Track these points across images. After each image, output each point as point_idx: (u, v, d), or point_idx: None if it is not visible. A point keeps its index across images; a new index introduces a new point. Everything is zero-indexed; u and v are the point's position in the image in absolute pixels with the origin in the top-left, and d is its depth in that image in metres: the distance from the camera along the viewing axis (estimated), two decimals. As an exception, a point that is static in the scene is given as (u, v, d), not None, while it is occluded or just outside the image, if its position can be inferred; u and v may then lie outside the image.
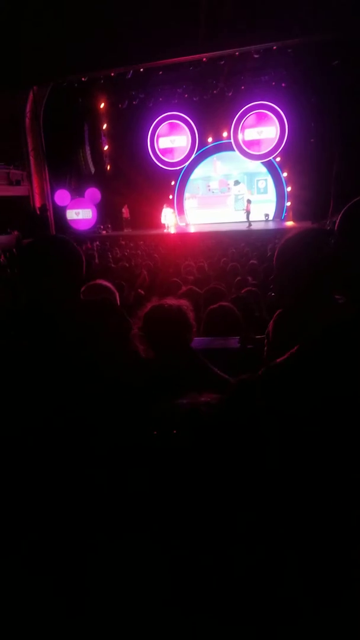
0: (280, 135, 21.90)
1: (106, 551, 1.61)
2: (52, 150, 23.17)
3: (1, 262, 13.91)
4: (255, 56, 18.87)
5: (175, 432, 1.53)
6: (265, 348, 2.08)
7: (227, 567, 1.50)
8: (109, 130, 24.27)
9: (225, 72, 19.98)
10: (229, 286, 5.95)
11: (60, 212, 23.60)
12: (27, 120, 22.90)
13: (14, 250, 17.58)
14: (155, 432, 1.63)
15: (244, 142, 22.45)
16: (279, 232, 17.32)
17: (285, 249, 1.89)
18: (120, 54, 16.26)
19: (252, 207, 21.16)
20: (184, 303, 2.33)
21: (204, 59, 19.09)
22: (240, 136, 22.39)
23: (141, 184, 22.32)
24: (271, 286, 5.53)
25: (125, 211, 22.38)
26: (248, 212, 20.75)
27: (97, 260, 11.03)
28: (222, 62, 19.23)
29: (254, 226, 20.11)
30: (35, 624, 1.58)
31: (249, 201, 21.21)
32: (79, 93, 22.10)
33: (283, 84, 20.81)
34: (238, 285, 6.11)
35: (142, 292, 6.35)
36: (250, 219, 20.69)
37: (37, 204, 23.52)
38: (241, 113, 22.11)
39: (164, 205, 22.79)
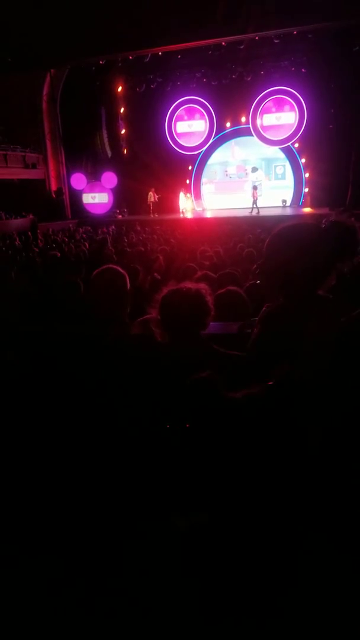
0: (299, 121, 21.58)
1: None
2: (68, 133, 23.14)
3: (17, 245, 13.96)
4: (276, 41, 18.62)
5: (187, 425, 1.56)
6: (252, 337, 2.03)
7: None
8: (126, 114, 24.11)
9: (245, 56, 19.69)
10: (245, 272, 5.91)
11: (76, 196, 23.61)
12: (44, 104, 22.87)
13: (29, 233, 17.65)
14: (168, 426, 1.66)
15: (263, 127, 22.17)
16: (296, 219, 17.10)
17: (278, 239, 1.86)
18: (137, 37, 16.09)
19: (259, 193, 20.80)
20: (203, 287, 2.27)
21: (223, 43, 18.84)
22: (258, 121, 22.11)
23: (158, 168, 22.17)
24: (256, 272, 5.49)
25: (152, 195, 22.10)
26: (254, 199, 20.51)
27: (110, 245, 11.02)
28: (242, 47, 18.95)
29: (271, 212, 19.91)
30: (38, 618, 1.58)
31: (254, 187, 20.89)
32: (97, 76, 21.97)
33: (303, 70, 20.49)
34: (254, 271, 6.05)
35: (158, 276, 6.33)
36: (259, 205, 20.44)
37: (53, 188, 23.56)
38: (260, 98, 21.80)
39: (181, 191, 22.65)
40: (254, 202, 20.44)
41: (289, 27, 16.66)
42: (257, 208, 20.34)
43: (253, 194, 20.60)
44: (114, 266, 2.57)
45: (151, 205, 22.12)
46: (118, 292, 2.34)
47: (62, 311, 4.10)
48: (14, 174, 21.68)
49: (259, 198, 20.58)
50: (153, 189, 22.02)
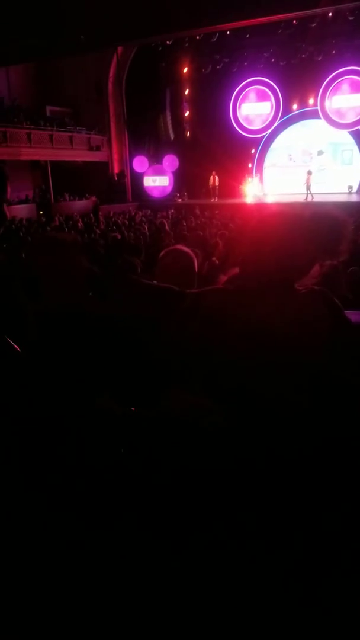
0: (371, 104, 20.64)
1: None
2: (132, 115, 23.27)
3: (79, 227, 14.23)
4: (350, 18, 17.82)
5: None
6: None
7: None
8: (190, 95, 23.89)
9: (316, 35, 18.99)
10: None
11: (137, 179, 23.76)
12: (110, 86, 23.07)
13: (91, 215, 17.95)
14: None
15: (331, 109, 21.36)
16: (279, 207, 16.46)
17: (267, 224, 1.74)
18: (206, 13, 15.71)
19: (313, 179, 20.14)
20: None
21: (295, 21, 18.21)
22: (327, 103, 21.31)
23: (220, 151, 21.83)
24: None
25: (214, 178, 21.91)
26: (308, 185, 19.85)
27: (168, 228, 11.03)
28: (314, 25, 18.26)
29: (336, 198, 19.24)
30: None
31: (309, 172, 20.17)
32: (163, 57, 21.89)
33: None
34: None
35: (217, 261, 6.26)
36: (312, 192, 19.79)
37: (116, 170, 23.81)
38: (330, 79, 20.99)
39: (246, 175, 22.32)
40: (308, 187, 19.84)
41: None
42: (311, 194, 19.73)
43: (307, 179, 19.99)
44: (182, 247, 2.57)
45: (213, 189, 21.89)
46: (186, 272, 2.33)
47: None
48: (79, 156, 22.09)
49: (317, 184, 19.94)
50: (214, 173, 21.76)
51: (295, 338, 1.54)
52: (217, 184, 21.81)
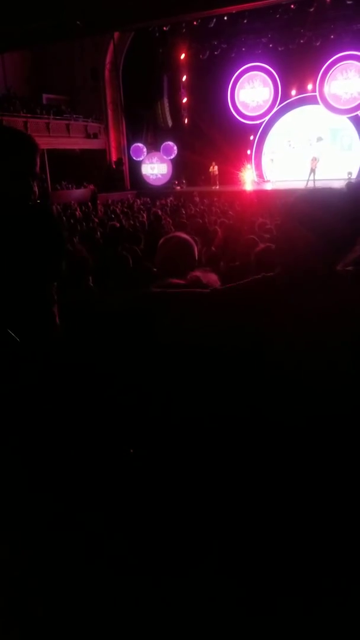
0: (370, 89, 20.43)
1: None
2: (130, 102, 23.07)
3: (77, 216, 14.16)
4: (349, 2, 17.59)
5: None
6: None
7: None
8: (188, 82, 23.67)
9: (314, 19, 18.77)
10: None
11: (135, 167, 23.61)
12: (107, 72, 22.84)
13: (89, 204, 17.86)
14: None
15: (330, 95, 21.15)
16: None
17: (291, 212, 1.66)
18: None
19: (320, 164, 19.83)
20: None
21: (292, 6, 17.99)
22: (326, 89, 21.11)
23: (219, 138, 21.68)
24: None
25: (212, 168, 21.78)
26: (312, 171, 19.63)
27: (168, 217, 10.99)
28: (312, 9, 18.04)
29: (336, 184, 19.04)
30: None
31: (314, 159, 19.93)
32: (160, 43, 21.64)
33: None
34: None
35: (215, 249, 6.25)
36: (317, 178, 19.53)
37: (113, 158, 23.66)
38: (329, 64, 20.75)
39: (245, 162, 22.17)
40: (312, 172, 19.64)
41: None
42: (314, 180, 19.56)
43: (312, 164, 19.76)
44: (181, 234, 2.55)
45: (214, 177, 21.77)
46: (186, 259, 2.32)
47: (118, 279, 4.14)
48: (76, 144, 21.92)
49: (317, 170, 19.77)
50: (214, 163, 21.67)
51: (347, 321, 1.50)
52: (216, 172, 21.69)
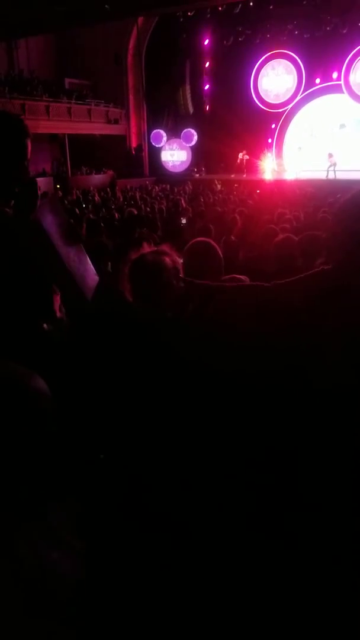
0: None
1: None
2: (151, 88, 22.92)
3: (96, 201, 14.17)
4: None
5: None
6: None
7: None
8: (211, 68, 23.43)
9: (342, 6, 18.39)
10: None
11: (155, 153, 23.50)
12: (129, 58, 22.68)
13: (108, 190, 17.85)
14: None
15: (356, 84, 20.81)
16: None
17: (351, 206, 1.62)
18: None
19: (336, 160, 19.40)
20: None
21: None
22: (351, 77, 20.77)
23: (240, 126, 21.42)
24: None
25: (243, 155, 21.52)
26: (331, 165, 19.23)
27: (185, 204, 10.94)
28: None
29: (357, 176, 18.80)
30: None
31: (330, 155, 19.53)
32: (183, 29, 21.41)
33: None
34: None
35: (234, 238, 6.20)
36: (335, 170, 19.16)
37: (133, 144, 23.56)
38: (356, 52, 20.40)
39: (265, 151, 21.92)
40: (332, 166, 19.34)
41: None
42: (335, 171, 19.27)
43: (330, 160, 19.49)
44: (206, 240, 2.54)
45: (241, 165, 21.52)
46: (213, 268, 2.32)
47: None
48: (97, 129, 21.87)
49: (339, 161, 19.44)
50: (244, 151, 21.42)
51: None
52: (246, 160, 21.43)
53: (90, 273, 1.97)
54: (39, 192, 1.87)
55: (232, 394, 1.63)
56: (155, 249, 1.92)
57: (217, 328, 1.71)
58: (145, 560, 1.53)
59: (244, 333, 1.64)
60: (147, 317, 1.78)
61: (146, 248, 1.90)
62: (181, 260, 1.95)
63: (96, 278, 2.04)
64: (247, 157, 21.44)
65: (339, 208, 1.67)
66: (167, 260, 1.84)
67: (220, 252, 2.38)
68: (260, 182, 17.88)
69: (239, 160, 21.46)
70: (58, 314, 1.91)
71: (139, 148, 23.57)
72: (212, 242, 2.42)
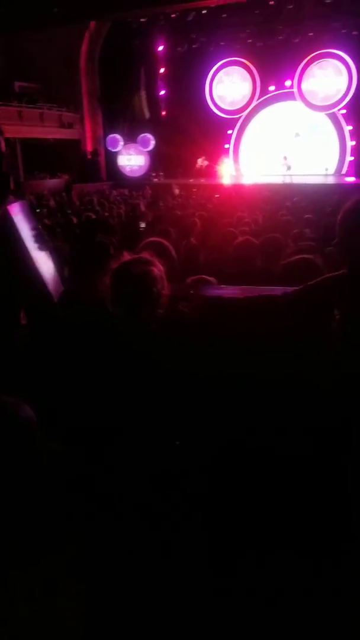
0: (347, 87, 20.69)
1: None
2: (106, 93, 22.84)
3: (51, 206, 13.92)
4: (327, 1, 17.71)
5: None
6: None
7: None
8: (166, 74, 23.53)
9: (293, 16, 18.84)
10: (285, 239, 5.71)
11: (112, 158, 23.38)
12: (82, 63, 22.49)
13: (63, 194, 17.59)
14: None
15: (308, 91, 21.36)
16: (338, 187, 16.62)
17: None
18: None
19: (289, 163, 20.27)
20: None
21: (272, 2, 17.99)
22: (304, 85, 21.32)
23: (197, 132, 21.59)
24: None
25: (202, 161, 21.77)
26: (288, 167, 19.96)
27: (144, 208, 10.88)
28: (291, 6, 18.08)
29: (312, 180, 19.30)
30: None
31: (285, 157, 20.25)
32: (137, 35, 21.40)
33: (354, 32, 19.47)
34: (295, 237, 5.85)
35: (195, 241, 6.17)
36: (290, 175, 19.86)
37: (89, 148, 23.35)
38: (307, 61, 20.97)
39: (222, 156, 22.21)
40: (287, 168, 19.95)
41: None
42: (291, 176, 19.78)
43: (284, 163, 20.03)
44: (156, 239, 2.59)
45: (200, 171, 21.72)
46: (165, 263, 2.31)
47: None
48: (50, 133, 21.50)
49: (294, 166, 20.06)
50: (203, 157, 21.67)
51: None
52: (205, 166, 21.71)
53: (55, 278, 1.95)
54: (11, 187, 1.86)
55: (238, 400, 1.64)
56: (139, 257, 1.87)
57: (229, 339, 1.74)
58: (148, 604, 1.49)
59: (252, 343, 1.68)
60: (130, 329, 1.74)
61: (127, 256, 1.85)
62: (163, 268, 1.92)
63: (60, 284, 2.02)
64: (206, 162, 21.68)
65: (342, 217, 1.82)
66: (155, 270, 1.81)
67: (173, 252, 2.44)
68: (219, 187, 18.05)
69: (197, 166, 21.66)
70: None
71: (95, 152, 23.37)
72: (166, 242, 2.50)
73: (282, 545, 1.49)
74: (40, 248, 1.81)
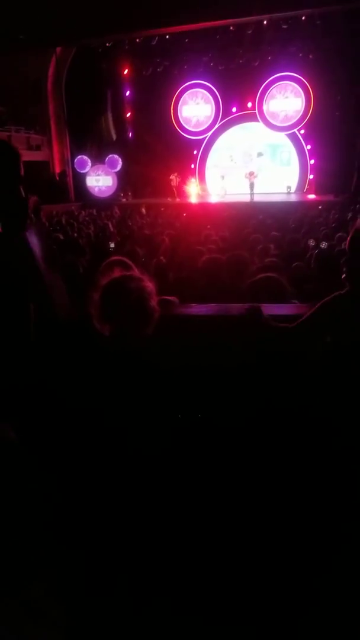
0: (305, 107, 21.47)
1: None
2: (73, 115, 22.93)
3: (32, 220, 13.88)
4: (284, 26, 18.42)
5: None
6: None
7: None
8: (132, 97, 23.89)
9: (252, 41, 19.47)
10: (251, 255, 5.94)
11: (80, 179, 23.48)
12: (49, 85, 22.65)
13: (32, 215, 17.57)
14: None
15: (269, 113, 22.04)
16: (300, 205, 17.12)
17: None
18: (142, 18, 15.82)
19: (257, 180, 20.55)
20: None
21: (231, 27, 18.63)
22: (265, 107, 21.98)
23: (163, 152, 22.03)
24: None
25: (175, 178, 22.06)
26: (252, 185, 20.27)
27: (112, 228, 11.01)
28: (250, 31, 18.75)
29: (276, 198, 19.81)
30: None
31: (251, 173, 20.56)
32: (103, 58, 21.72)
33: (310, 56, 20.26)
34: (260, 254, 6.08)
35: (164, 260, 6.35)
36: (255, 192, 20.25)
37: (57, 170, 23.43)
38: (267, 84, 21.67)
39: (189, 176, 22.58)
40: (251, 186, 20.28)
41: (293, 10, 16.32)
42: (253, 194, 20.19)
43: (250, 178, 20.40)
44: (118, 258, 2.59)
45: (175, 189, 22.07)
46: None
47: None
48: (18, 156, 21.51)
49: (257, 184, 20.45)
50: (176, 173, 22.02)
51: None
52: (177, 183, 22.09)
53: (64, 297, 1.98)
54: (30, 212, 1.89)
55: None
56: (130, 274, 1.84)
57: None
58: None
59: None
60: (123, 345, 1.70)
61: (117, 272, 1.82)
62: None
63: (68, 303, 2.04)
64: (179, 178, 22.03)
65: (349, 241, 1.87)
66: (149, 286, 1.78)
67: (136, 270, 2.48)
68: (187, 205, 18.37)
69: (173, 184, 21.99)
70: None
71: (63, 174, 23.46)
72: (127, 260, 2.48)
73: (280, 544, 1.58)
74: (51, 267, 1.83)
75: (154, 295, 1.78)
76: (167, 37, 19.31)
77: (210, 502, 1.68)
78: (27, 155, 21.82)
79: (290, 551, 1.58)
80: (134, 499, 1.57)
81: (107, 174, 23.17)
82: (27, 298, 1.82)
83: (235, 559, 1.60)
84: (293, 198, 20.80)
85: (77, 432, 1.64)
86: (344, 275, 1.85)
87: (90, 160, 23.17)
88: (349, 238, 1.89)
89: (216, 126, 23.14)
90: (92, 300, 1.77)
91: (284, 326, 1.91)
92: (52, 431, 1.72)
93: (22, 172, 1.84)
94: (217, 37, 19.44)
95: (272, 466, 1.67)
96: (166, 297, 2.49)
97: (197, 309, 2.46)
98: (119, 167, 23.11)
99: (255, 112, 22.30)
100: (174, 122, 23.22)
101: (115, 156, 23.08)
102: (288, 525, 1.60)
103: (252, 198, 20.00)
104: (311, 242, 6.96)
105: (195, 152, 23.72)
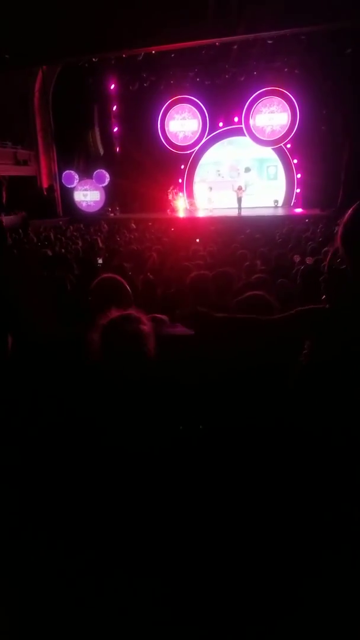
0: (291, 122, 21.74)
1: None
2: (60, 130, 23.03)
3: (8, 243, 13.84)
4: (269, 42, 18.65)
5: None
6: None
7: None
8: (119, 112, 24.04)
9: (238, 57, 19.73)
10: (238, 271, 5.91)
11: (67, 194, 23.51)
12: (36, 100, 22.75)
13: (20, 230, 17.53)
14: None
15: (255, 127, 22.27)
16: (287, 219, 17.24)
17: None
18: (129, 36, 15.99)
19: (245, 194, 20.83)
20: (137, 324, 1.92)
21: (217, 44, 18.84)
22: (251, 121, 22.22)
23: (151, 167, 22.15)
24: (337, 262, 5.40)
25: (172, 193, 22.20)
26: (239, 199, 20.49)
27: (100, 244, 10.98)
28: (235, 47, 18.99)
29: (263, 212, 19.96)
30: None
31: (240, 188, 20.83)
32: (89, 73, 21.86)
33: (296, 71, 20.56)
34: (247, 270, 6.06)
35: (152, 276, 6.31)
36: (243, 206, 20.50)
37: (45, 185, 23.44)
38: (253, 98, 21.93)
39: (177, 191, 22.69)
40: (239, 200, 20.48)
41: (279, 29, 16.56)
42: (240, 209, 20.38)
43: (238, 193, 20.60)
44: (110, 275, 2.59)
45: (171, 202, 22.18)
46: (120, 297, 2.35)
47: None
48: (5, 171, 21.50)
49: (245, 198, 20.62)
50: (172, 187, 22.16)
51: None
52: (175, 197, 22.21)
53: (48, 317, 1.97)
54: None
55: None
56: (128, 314, 1.86)
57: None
58: None
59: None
60: (113, 376, 1.75)
61: (115, 312, 1.85)
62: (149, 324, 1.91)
63: (53, 320, 2.05)
64: (175, 191, 22.15)
65: (340, 235, 1.78)
66: (145, 328, 1.82)
67: (127, 286, 2.46)
68: (175, 220, 18.42)
69: (170, 196, 22.11)
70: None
71: (51, 189, 23.47)
72: (119, 278, 2.49)
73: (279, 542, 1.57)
74: (34, 295, 1.86)
75: (149, 338, 1.81)
76: (154, 52, 19.47)
77: (208, 510, 1.71)
78: (14, 171, 21.87)
79: (287, 554, 1.61)
80: (130, 512, 1.62)
81: (94, 188, 23.22)
82: (2, 328, 1.83)
83: (234, 559, 1.64)
84: (280, 212, 20.95)
85: (71, 449, 1.71)
86: (323, 297, 1.88)
87: (78, 175, 23.23)
88: (327, 260, 1.91)
89: (203, 141, 23.32)
90: (91, 340, 1.80)
91: (254, 318, 1.94)
92: (46, 450, 1.78)
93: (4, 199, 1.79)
94: (203, 52, 19.64)
95: (265, 470, 1.71)
96: (157, 316, 2.52)
97: (180, 328, 2.49)
98: (106, 182, 23.18)
99: (241, 127, 22.51)
100: (161, 136, 23.38)
101: (103, 171, 23.15)
102: (286, 528, 1.62)
103: (239, 212, 20.14)
104: (296, 258, 6.93)
105: (182, 166, 23.85)
